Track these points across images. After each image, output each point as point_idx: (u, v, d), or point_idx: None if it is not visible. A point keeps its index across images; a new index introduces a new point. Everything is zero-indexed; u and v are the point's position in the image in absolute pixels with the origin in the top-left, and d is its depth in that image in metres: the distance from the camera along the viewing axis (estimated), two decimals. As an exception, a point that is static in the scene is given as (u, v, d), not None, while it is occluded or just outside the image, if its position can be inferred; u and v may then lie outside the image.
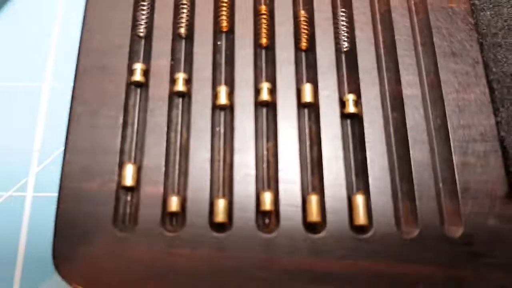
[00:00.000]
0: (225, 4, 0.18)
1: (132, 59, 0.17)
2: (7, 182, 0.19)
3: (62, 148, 0.18)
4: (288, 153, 0.16)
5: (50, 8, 0.22)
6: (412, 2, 0.18)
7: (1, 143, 0.19)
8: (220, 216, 0.15)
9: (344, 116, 0.17)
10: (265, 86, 0.17)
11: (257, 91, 0.17)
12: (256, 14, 0.18)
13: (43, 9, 0.22)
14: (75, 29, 0.20)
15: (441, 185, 0.16)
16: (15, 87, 0.20)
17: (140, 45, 0.18)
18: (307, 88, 0.17)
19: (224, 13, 0.18)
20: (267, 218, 0.15)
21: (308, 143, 0.17)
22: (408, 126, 0.16)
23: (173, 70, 0.17)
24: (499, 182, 0.15)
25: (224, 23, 0.18)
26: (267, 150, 0.16)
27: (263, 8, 0.18)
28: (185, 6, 0.18)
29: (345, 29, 0.18)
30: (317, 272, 0.14)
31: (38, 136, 0.20)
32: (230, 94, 0.17)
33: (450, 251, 0.14)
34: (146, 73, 0.17)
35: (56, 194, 0.18)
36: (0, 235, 0.18)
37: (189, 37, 0.18)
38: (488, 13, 0.18)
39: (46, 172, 0.19)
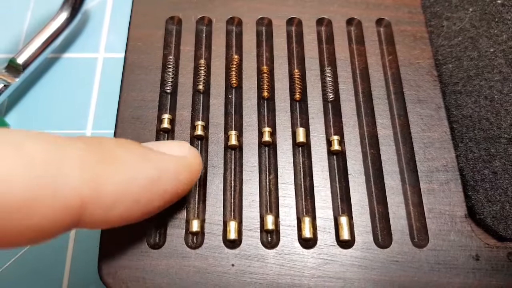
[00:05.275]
0: (234, 66, 0.20)
1: (161, 111, 0.19)
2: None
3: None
4: (285, 183, 0.17)
5: (91, 67, 0.25)
6: (386, 59, 0.21)
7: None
8: (232, 235, 0.16)
9: (330, 153, 0.18)
10: (267, 130, 0.19)
11: (261, 134, 0.19)
12: (259, 72, 0.20)
13: (86, 69, 0.24)
14: (110, 86, 0.23)
15: (411, 207, 0.17)
16: (62, 134, 0.22)
17: (167, 99, 0.20)
18: (301, 131, 0.19)
19: (233, 72, 0.20)
20: (270, 236, 0.17)
21: (302, 175, 0.18)
22: (382, 159, 0.18)
23: (193, 119, 0.19)
24: (459, 204, 0.17)
25: (234, 80, 0.20)
26: (269, 181, 0.18)
27: (265, 68, 0.20)
28: (202, 67, 0.20)
29: (330, 83, 0.20)
30: (310, 281, 0.16)
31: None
32: (239, 137, 0.19)
33: (418, 261, 0.16)
34: (172, 121, 0.19)
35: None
36: (49, 256, 0.20)
37: (206, 92, 0.20)
38: (450, 65, 0.21)
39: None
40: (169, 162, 0.14)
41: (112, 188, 0.13)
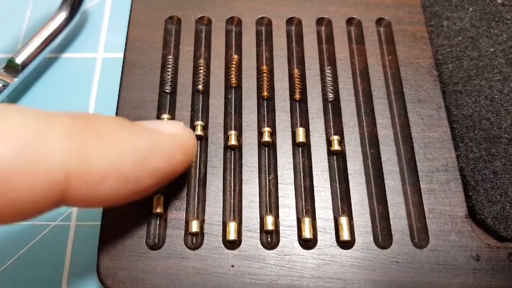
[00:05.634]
0: (234, 65, 0.20)
1: (160, 110, 0.19)
2: (54, 213, 0.20)
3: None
4: (285, 184, 0.17)
5: (90, 67, 0.24)
6: (386, 59, 0.20)
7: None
8: (232, 235, 0.16)
9: (330, 153, 0.18)
10: (266, 130, 0.19)
11: (260, 134, 0.19)
12: (259, 72, 0.20)
13: (85, 69, 0.24)
14: (109, 86, 0.23)
15: (411, 207, 0.17)
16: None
17: (167, 99, 0.20)
18: (301, 131, 0.18)
19: (233, 72, 0.20)
20: (270, 237, 0.17)
21: (301, 175, 0.18)
22: (382, 159, 0.18)
23: (193, 119, 0.19)
24: (459, 204, 0.17)
25: (233, 80, 0.20)
26: (269, 181, 0.18)
27: (264, 68, 0.20)
28: (202, 67, 0.20)
29: (330, 83, 0.20)
30: (310, 282, 0.16)
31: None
32: (239, 137, 0.19)
33: (419, 262, 0.16)
34: (171, 121, 0.19)
35: (95, 223, 0.20)
36: (48, 256, 0.19)
37: (205, 92, 0.20)
38: (450, 65, 0.21)
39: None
40: (162, 139, 0.14)
41: (100, 162, 0.12)
